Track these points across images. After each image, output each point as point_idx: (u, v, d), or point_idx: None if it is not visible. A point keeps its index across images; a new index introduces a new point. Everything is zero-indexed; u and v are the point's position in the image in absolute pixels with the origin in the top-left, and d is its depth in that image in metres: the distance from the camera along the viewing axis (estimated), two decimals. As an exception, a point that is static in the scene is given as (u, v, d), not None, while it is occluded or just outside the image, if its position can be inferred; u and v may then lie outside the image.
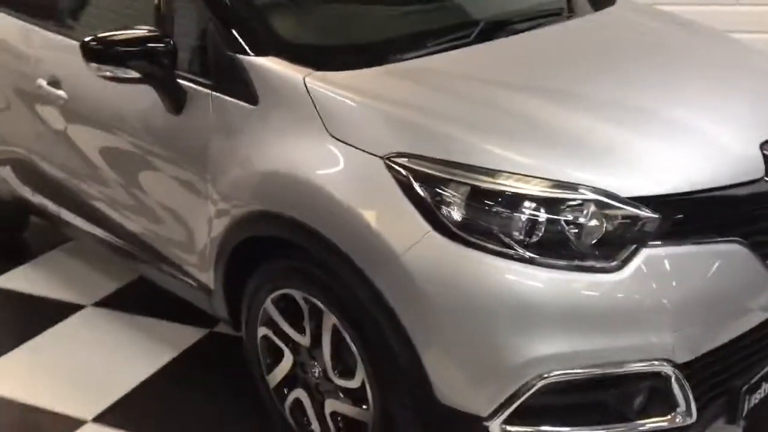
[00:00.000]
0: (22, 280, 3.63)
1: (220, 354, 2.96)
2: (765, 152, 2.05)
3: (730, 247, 1.94)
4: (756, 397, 2.07)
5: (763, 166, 2.02)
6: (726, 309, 1.95)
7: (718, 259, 1.92)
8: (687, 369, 1.89)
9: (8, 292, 3.54)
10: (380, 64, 2.24)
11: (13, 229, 4.00)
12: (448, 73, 2.27)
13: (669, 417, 1.92)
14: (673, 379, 1.87)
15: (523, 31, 2.54)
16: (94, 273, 3.61)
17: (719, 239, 1.92)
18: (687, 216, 1.89)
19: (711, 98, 2.26)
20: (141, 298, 3.35)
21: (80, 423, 2.64)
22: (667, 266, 1.85)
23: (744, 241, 1.95)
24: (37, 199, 3.39)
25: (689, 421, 1.92)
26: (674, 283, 1.85)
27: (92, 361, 2.99)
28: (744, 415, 2.06)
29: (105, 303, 3.36)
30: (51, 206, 3.32)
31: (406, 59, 2.28)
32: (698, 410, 1.94)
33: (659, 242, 1.85)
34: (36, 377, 2.94)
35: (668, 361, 1.86)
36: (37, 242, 3.99)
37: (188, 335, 3.07)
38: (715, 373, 1.99)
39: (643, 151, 1.97)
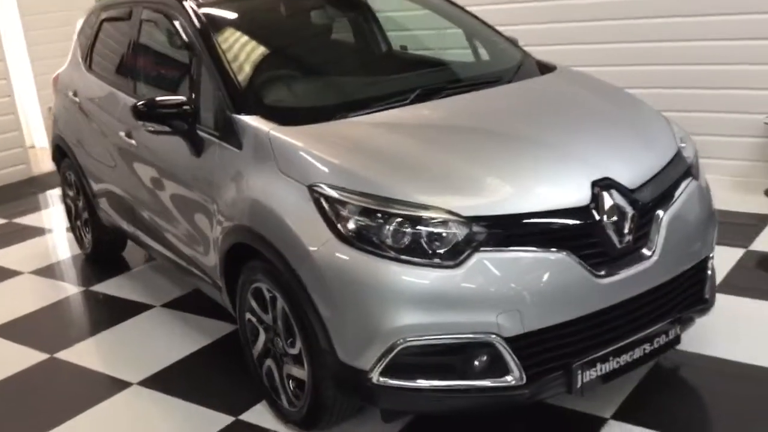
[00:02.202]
0: (115, 286, 4.73)
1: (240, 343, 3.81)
2: (594, 188, 2.68)
3: (556, 255, 2.56)
4: (591, 374, 2.65)
5: (589, 197, 2.67)
6: (550, 301, 2.56)
7: (544, 263, 2.55)
8: (515, 343, 2.54)
9: (105, 295, 4.63)
10: (327, 120, 3.07)
11: (114, 249, 5.11)
12: (370, 124, 3.05)
13: (502, 379, 2.57)
14: (500, 348, 2.54)
15: (454, 95, 3.29)
16: (167, 283, 4.64)
17: (546, 249, 2.57)
18: (513, 231, 2.57)
19: (568, 143, 2.89)
20: (192, 301, 4.34)
21: (128, 384, 3.58)
22: (495, 266, 2.52)
23: (571, 253, 2.59)
24: (128, 226, 4.42)
25: (520, 383, 2.56)
26: (499, 278, 2.51)
27: (148, 343, 3.96)
28: (581, 387, 2.65)
29: (168, 304, 4.37)
30: (134, 231, 4.34)
31: (350, 117, 3.10)
32: (530, 377, 2.57)
33: (489, 248, 2.54)
34: (110, 352, 3.94)
35: (495, 335, 2.52)
36: (132, 260, 5.11)
37: (220, 329, 3.97)
38: (548, 349, 2.60)
39: (489, 181, 2.68)
